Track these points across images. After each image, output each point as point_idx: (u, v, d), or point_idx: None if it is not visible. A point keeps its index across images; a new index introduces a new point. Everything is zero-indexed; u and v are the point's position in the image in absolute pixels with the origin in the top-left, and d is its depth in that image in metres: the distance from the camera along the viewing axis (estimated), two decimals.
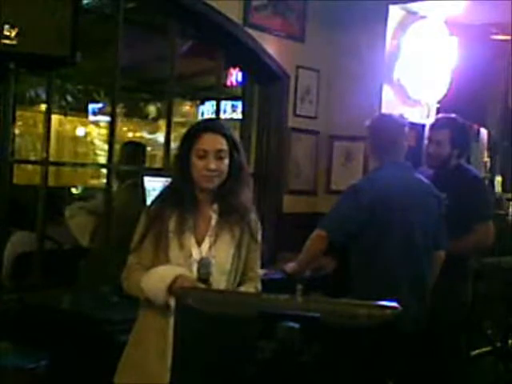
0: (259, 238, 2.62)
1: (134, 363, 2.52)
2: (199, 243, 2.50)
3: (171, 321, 2.38)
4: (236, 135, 2.63)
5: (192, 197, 2.53)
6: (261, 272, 2.71)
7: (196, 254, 2.48)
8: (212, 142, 2.48)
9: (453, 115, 4.09)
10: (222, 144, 2.49)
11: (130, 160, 4.85)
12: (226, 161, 2.50)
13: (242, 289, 2.56)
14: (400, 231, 3.48)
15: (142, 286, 2.43)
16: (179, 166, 2.54)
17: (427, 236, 3.54)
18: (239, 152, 2.55)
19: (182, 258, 2.47)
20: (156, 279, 2.41)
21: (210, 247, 2.50)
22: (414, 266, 3.51)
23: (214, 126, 2.57)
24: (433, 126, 4.11)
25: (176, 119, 6.28)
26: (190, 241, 2.49)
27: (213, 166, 2.46)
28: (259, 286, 2.65)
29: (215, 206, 2.54)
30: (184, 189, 2.52)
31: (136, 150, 5.07)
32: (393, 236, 3.46)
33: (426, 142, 4.19)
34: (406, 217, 3.49)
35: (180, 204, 2.51)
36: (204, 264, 2.45)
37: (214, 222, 2.53)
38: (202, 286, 2.39)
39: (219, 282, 2.47)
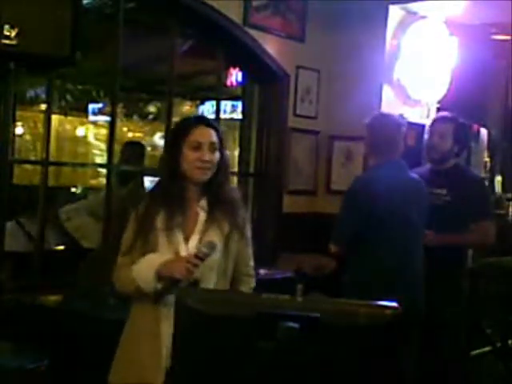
0: (248, 234, 2.62)
1: (127, 363, 2.51)
2: (187, 240, 2.49)
3: (162, 321, 2.40)
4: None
5: (180, 193, 2.52)
6: (261, 272, 2.72)
7: (183, 250, 2.47)
8: (206, 134, 2.52)
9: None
10: (215, 137, 2.53)
11: (131, 160, 4.86)
12: (218, 154, 2.53)
13: (241, 288, 2.57)
14: (398, 226, 3.56)
15: (134, 274, 2.44)
16: (169, 160, 2.55)
17: (418, 229, 3.66)
18: (225, 148, 2.60)
19: (169, 255, 2.46)
20: (145, 265, 2.43)
21: (197, 244, 2.47)
22: (411, 259, 3.62)
23: (206, 119, 2.65)
24: (436, 119, 4.17)
25: (176, 119, 6.26)
26: (178, 238, 2.48)
27: (207, 157, 2.49)
28: (253, 283, 2.66)
29: (202, 202, 2.54)
30: (172, 184, 2.51)
31: (136, 150, 5.08)
32: (392, 231, 3.54)
33: (426, 135, 4.21)
34: (402, 213, 3.57)
35: (168, 201, 2.50)
36: (209, 245, 2.41)
37: (201, 218, 2.52)
38: (197, 261, 2.35)
39: (208, 279, 2.45)
